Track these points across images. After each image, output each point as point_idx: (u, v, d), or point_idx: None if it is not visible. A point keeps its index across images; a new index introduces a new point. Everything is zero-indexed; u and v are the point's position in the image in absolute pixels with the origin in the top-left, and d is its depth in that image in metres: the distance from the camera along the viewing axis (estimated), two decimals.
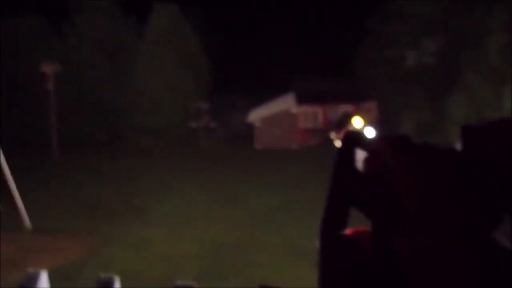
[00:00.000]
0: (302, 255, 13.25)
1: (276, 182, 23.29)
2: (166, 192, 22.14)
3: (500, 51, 23.60)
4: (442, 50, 26.56)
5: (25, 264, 13.13)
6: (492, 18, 24.13)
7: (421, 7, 27.27)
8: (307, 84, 36.81)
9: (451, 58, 26.05)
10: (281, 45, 50.53)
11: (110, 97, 36.61)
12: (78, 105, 35.91)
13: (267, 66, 49.29)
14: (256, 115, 36.40)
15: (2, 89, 35.09)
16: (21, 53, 35.48)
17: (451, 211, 1.10)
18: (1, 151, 16.47)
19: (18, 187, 17.00)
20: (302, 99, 35.64)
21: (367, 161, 1.13)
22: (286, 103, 36.20)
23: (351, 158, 1.12)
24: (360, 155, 1.14)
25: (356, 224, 1.37)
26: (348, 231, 1.28)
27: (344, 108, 32.72)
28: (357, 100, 33.65)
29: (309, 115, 36.11)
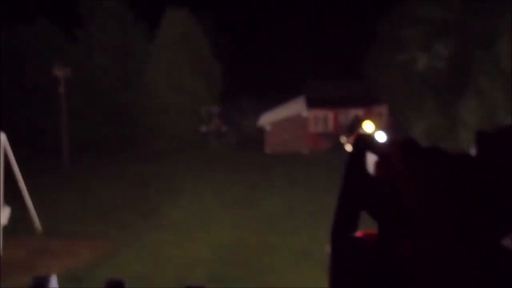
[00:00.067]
0: (312, 259, 13.22)
1: (287, 186, 23.25)
2: (177, 195, 22.16)
3: None
4: (453, 54, 26.44)
5: (36, 267, 13.20)
6: (503, 21, 24.00)
7: (433, 11, 27.17)
8: (317, 88, 36.73)
9: (462, 62, 25.92)
10: (292, 48, 50.45)
11: (122, 101, 36.72)
12: (90, 109, 36.05)
13: (278, 70, 49.22)
14: (267, 119, 36.34)
15: (14, 93, 35.32)
16: (33, 57, 35.71)
17: (451, 214, 1.09)
18: (12, 155, 16.56)
19: (29, 191, 17.10)
20: (312, 103, 35.56)
21: (377, 165, 1.13)
22: (296, 107, 36.13)
23: (362, 162, 1.12)
24: (371, 159, 1.13)
25: (367, 227, 1.36)
26: (358, 233, 1.28)
27: (355, 112, 32.60)
28: (368, 104, 33.55)
29: (320, 119, 36.03)
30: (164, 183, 24.67)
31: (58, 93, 32.13)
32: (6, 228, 15.65)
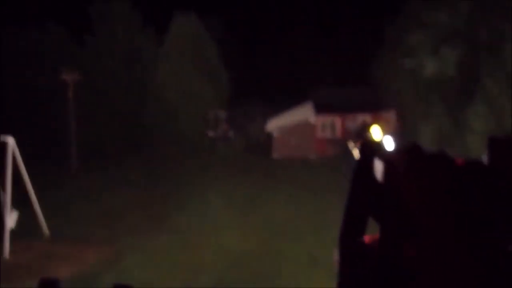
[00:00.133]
0: (319, 265, 13.18)
1: (294, 192, 23.23)
2: (184, 200, 22.18)
3: None
4: (461, 60, 26.36)
5: (42, 271, 13.23)
6: (510, 26, 23.93)
7: (440, 17, 27.13)
8: (325, 94, 36.75)
9: (470, 68, 25.84)
10: (300, 54, 50.51)
11: (129, 106, 36.86)
12: (98, 113, 36.18)
13: (285, 76, 49.29)
14: (274, 125, 36.35)
15: (23, 97, 35.50)
16: (42, 61, 35.89)
17: (453, 216, 1.10)
18: (20, 159, 16.63)
19: (37, 195, 17.15)
20: (320, 109, 35.54)
21: (384, 170, 1.13)
22: (304, 113, 36.11)
23: (369, 168, 1.12)
24: (378, 165, 1.13)
25: (375, 232, 1.35)
26: (366, 238, 1.28)
27: (362, 118, 32.58)
28: (376, 109, 33.48)
29: (327, 125, 35.99)
30: (171, 188, 24.71)
31: (66, 97, 32.29)
32: (14, 232, 15.72)
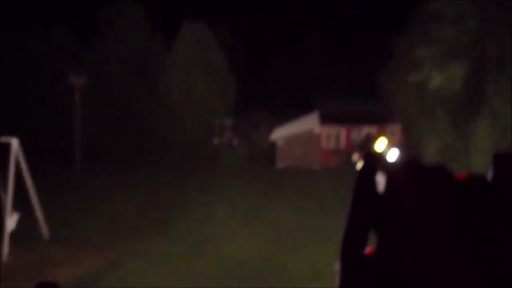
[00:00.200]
0: (321, 276, 13.12)
1: (297, 201, 23.18)
2: (187, 207, 22.15)
3: None
4: (468, 75, 26.34)
5: (40, 274, 13.19)
6: None
7: (447, 31, 27.14)
8: (331, 105, 36.76)
9: (476, 82, 25.82)
10: (307, 65, 50.63)
11: (136, 111, 36.91)
12: (104, 117, 36.24)
13: (292, 85, 49.40)
14: (279, 134, 36.35)
15: (29, 99, 35.62)
16: (49, 64, 36.03)
17: (452, 229, 1.09)
18: (23, 161, 16.64)
19: (39, 197, 17.15)
20: (325, 120, 35.55)
21: (385, 182, 1.13)
22: (309, 123, 36.12)
23: (372, 180, 1.11)
24: (381, 177, 1.12)
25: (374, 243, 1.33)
26: (367, 250, 1.28)
27: (367, 129, 32.56)
28: (381, 122, 33.47)
29: (332, 136, 35.97)
30: (174, 194, 24.69)
31: (73, 100, 32.39)
32: (14, 234, 15.70)
